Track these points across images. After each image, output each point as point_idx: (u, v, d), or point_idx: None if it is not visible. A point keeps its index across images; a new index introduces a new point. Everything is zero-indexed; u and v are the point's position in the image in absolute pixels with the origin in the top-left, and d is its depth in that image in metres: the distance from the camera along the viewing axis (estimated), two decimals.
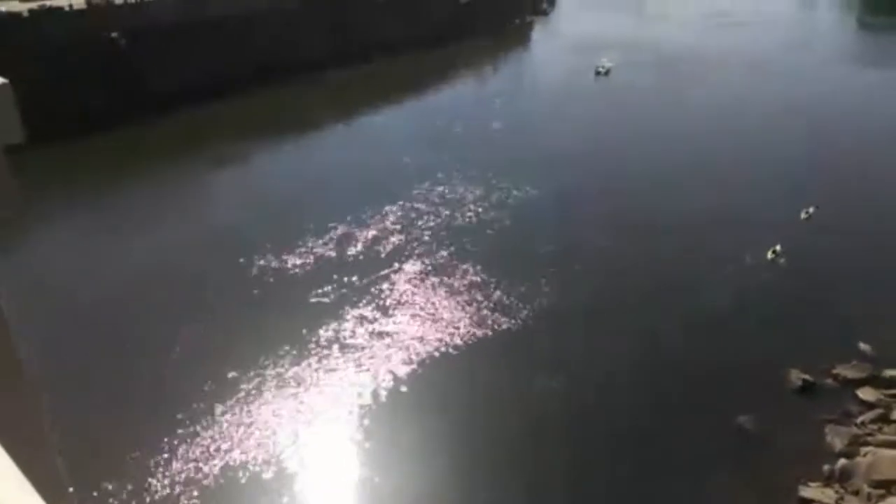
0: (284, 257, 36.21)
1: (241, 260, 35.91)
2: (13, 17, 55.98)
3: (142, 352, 28.84)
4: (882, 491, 21.78)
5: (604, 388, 27.00)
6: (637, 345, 29.60)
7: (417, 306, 32.13)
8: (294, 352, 28.92)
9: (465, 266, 35.30)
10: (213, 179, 49.32)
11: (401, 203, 42.36)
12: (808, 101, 65.41)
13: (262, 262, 35.78)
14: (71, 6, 59.80)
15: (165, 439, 24.49)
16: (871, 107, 65.25)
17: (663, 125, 58.66)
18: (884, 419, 25.27)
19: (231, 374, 27.58)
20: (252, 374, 27.67)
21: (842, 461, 23.23)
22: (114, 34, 60.34)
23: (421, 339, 29.79)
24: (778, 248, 36.83)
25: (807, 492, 22.27)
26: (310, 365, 28.26)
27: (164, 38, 62.79)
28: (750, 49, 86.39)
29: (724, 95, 67.88)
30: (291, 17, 73.92)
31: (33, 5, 58.78)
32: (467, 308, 31.95)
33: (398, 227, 39.65)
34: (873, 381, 27.29)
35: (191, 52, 64.76)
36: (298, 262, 35.94)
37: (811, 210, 41.14)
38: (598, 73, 75.11)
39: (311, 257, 36.38)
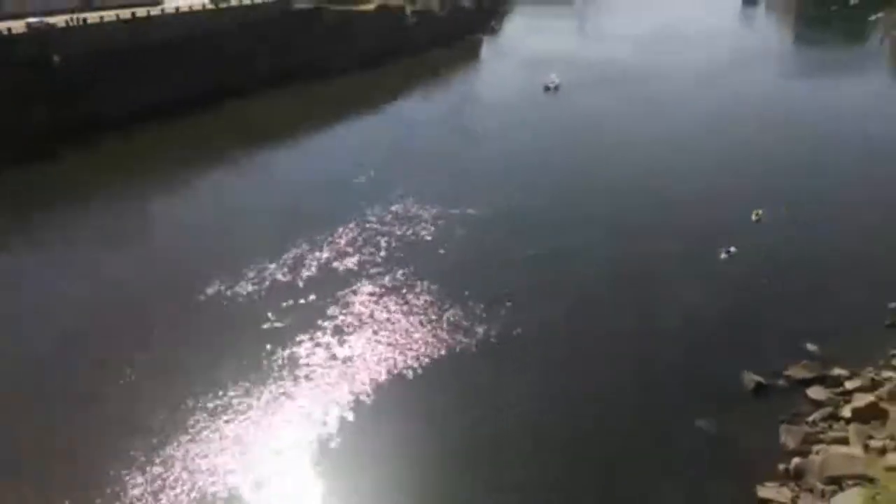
0: (237, 282, 35.39)
1: (192, 287, 34.91)
2: None
3: (92, 384, 27.73)
4: (834, 487, 22.34)
5: (564, 399, 27.08)
6: (595, 355, 29.84)
7: (374, 328, 31.75)
8: (248, 378, 28.20)
9: (421, 285, 35.13)
10: (158, 203, 48.10)
11: (355, 223, 42.04)
12: (749, 111, 67.72)
13: (214, 289, 34.85)
14: (10, 30, 58.16)
15: (117, 469, 23.49)
16: (809, 116, 67.92)
17: (613, 138, 59.90)
18: (833, 417, 26.01)
19: (186, 403, 26.75)
20: (206, 402, 26.86)
21: (796, 460, 23.79)
22: (56, 58, 58.87)
23: (378, 361, 29.40)
24: (733, 249, 38.21)
25: (764, 492, 22.71)
26: (265, 391, 27.56)
27: (106, 61, 61.53)
28: (692, 64, 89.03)
29: (668, 108, 69.72)
30: (235, 38, 73.25)
31: None
32: (424, 328, 31.73)
33: (352, 247, 39.29)
34: (822, 380, 28.14)
35: (134, 74, 63.58)
36: (251, 287, 35.17)
37: (760, 212, 42.87)
38: (547, 89, 76.59)
39: (265, 282, 35.66)
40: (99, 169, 52.49)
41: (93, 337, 30.98)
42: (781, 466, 23.72)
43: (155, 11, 70.69)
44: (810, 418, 26.09)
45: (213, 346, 30.20)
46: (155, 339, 30.80)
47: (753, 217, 42.66)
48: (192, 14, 72.67)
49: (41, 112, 56.76)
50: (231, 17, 74.51)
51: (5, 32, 57.70)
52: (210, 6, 75.41)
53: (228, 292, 34.65)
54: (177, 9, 72.89)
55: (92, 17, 65.46)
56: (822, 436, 25.01)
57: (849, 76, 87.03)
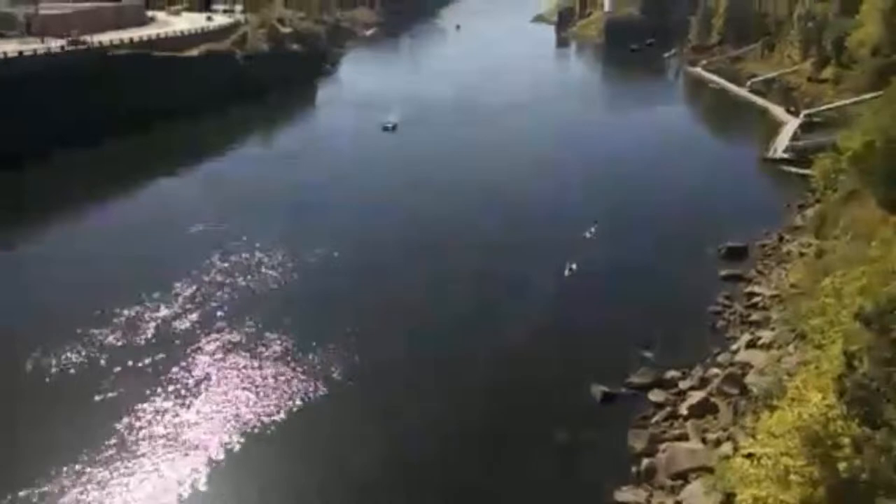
0: (60, 353, 31.53)
1: (8, 361, 30.88)
2: None
3: None
4: (681, 481, 24.05)
5: (419, 428, 27.08)
6: (449, 382, 30.25)
7: (221, 386, 29.81)
8: (84, 461, 25.07)
9: (269, 336, 33.59)
10: None
11: (193, 276, 39.30)
12: (571, 139, 73.68)
13: (34, 361, 30.87)
14: None
15: None
16: (622, 139, 74.99)
17: (450, 170, 62.34)
18: (673, 416, 28.16)
19: (17, 493, 23.42)
20: (39, 492, 23.62)
21: (645, 461, 25.37)
22: None
23: (228, 420, 27.61)
24: (574, 266, 41.20)
25: (621, 495, 23.92)
26: (105, 473, 24.70)
27: None
28: (513, 99, 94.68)
29: (495, 139, 73.79)
30: (52, 83, 66.85)
31: None
32: (276, 379, 30.34)
33: (192, 303, 36.68)
34: (660, 383, 30.47)
35: None
36: (78, 356, 31.53)
37: (593, 229, 46.57)
38: (385, 129, 77.79)
39: (93, 349, 32.11)
40: None
41: None
42: (634, 469, 25.18)
43: None
44: (654, 420, 28.09)
45: (37, 428, 26.67)
46: None
47: (587, 234, 45.99)
48: None
49: None
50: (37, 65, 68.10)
51: None
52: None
53: (51, 361, 30.92)
54: None
55: None
56: (665, 435, 26.96)
57: (650, 104, 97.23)
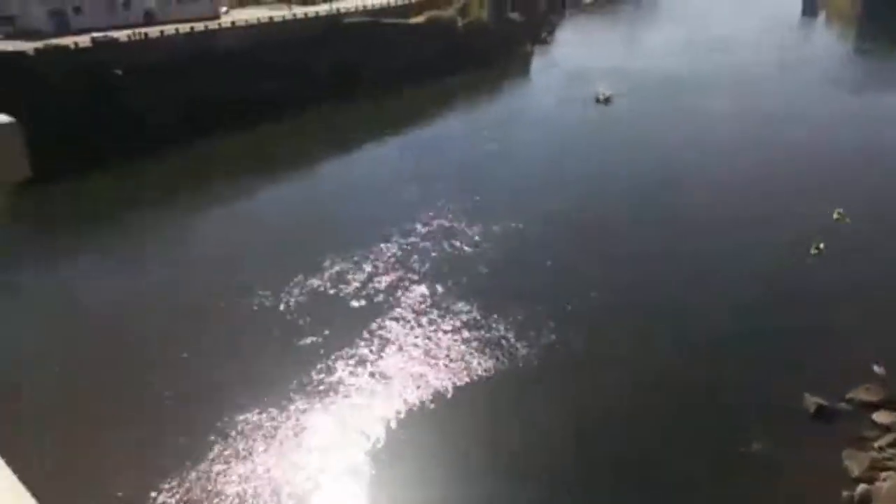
0: (279, 295, 35.38)
1: (235, 297, 35.17)
2: (19, 55, 56.70)
3: (136, 390, 28.16)
4: None
5: (612, 416, 26.37)
6: (647, 371, 28.96)
7: (416, 345, 31.31)
8: (289, 393, 28.04)
9: (463, 303, 34.52)
10: (208, 216, 48.99)
11: (398, 239, 41.67)
12: (807, 120, 65.67)
13: (256, 301, 34.97)
14: (76, 45, 60.58)
15: (155, 484, 23.61)
16: (875, 129, 65.41)
17: (666, 150, 58.51)
18: None
19: (224, 417, 26.69)
20: (245, 416, 26.79)
21: (861, 487, 22.61)
22: (118, 71, 60.98)
23: (420, 379, 28.98)
24: (822, 245, 37.61)
25: None
26: (305, 407, 27.43)
27: (168, 73, 63.28)
28: (745, 75, 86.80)
29: (722, 120, 68.08)
30: (281, 51, 74.39)
31: (39, 44, 59.57)
32: (467, 346, 31.14)
33: (395, 263, 38.91)
34: (889, 404, 26.71)
35: (192, 85, 65.09)
36: (294, 299, 35.13)
37: (841, 211, 41.91)
38: (598, 101, 75.67)
39: (308, 294, 35.57)
40: (154, 182, 54.04)
41: (116, 343, 31.56)
42: (846, 493, 22.57)
43: (213, 25, 72.78)
44: (877, 444, 24.75)
45: (254, 357, 30.41)
46: (195, 347, 31.24)
47: (834, 216, 41.33)
48: (248, 28, 74.68)
49: (102, 127, 58.53)
50: (285, 31, 76.13)
51: (72, 46, 60.24)
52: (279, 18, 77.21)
53: (268, 304, 34.82)
54: (233, 23, 74.87)
55: (152, 31, 67.77)
56: (889, 462, 23.72)
57: None
